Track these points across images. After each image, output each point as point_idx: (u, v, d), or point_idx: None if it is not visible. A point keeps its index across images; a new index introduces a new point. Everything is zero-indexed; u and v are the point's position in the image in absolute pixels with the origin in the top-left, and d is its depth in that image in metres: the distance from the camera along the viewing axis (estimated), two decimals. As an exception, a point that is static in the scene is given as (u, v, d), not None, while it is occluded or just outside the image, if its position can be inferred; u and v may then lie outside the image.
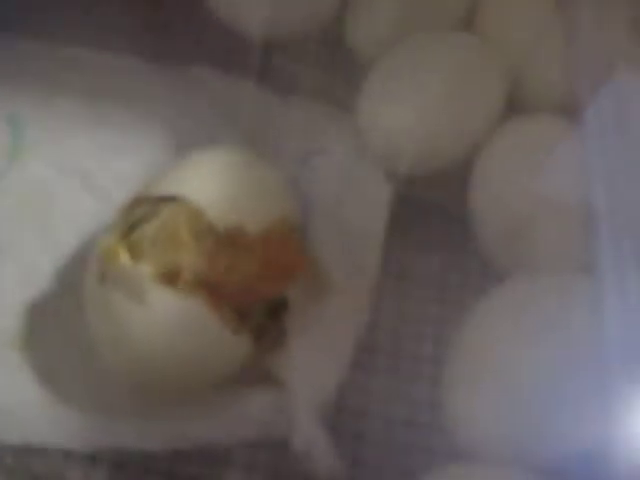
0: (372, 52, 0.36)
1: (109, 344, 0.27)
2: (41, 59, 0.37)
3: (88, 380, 0.29)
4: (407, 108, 0.34)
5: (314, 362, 0.28)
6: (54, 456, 0.28)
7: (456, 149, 0.34)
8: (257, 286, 0.27)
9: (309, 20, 0.39)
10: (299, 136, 0.35)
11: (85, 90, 0.36)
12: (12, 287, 0.31)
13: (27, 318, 0.31)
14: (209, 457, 0.28)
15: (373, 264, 0.31)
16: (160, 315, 0.26)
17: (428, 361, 0.31)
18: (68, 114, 0.35)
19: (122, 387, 0.28)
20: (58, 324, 0.30)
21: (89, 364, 0.29)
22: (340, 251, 0.31)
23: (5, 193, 0.33)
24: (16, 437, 0.28)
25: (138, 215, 0.27)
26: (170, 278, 0.26)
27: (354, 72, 0.36)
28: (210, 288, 0.26)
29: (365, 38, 0.37)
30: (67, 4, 0.40)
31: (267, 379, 0.28)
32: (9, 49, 0.37)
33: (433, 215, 0.34)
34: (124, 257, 0.26)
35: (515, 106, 0.34)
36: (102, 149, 0.34)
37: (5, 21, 0.38)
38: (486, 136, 0.34)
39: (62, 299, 0.31)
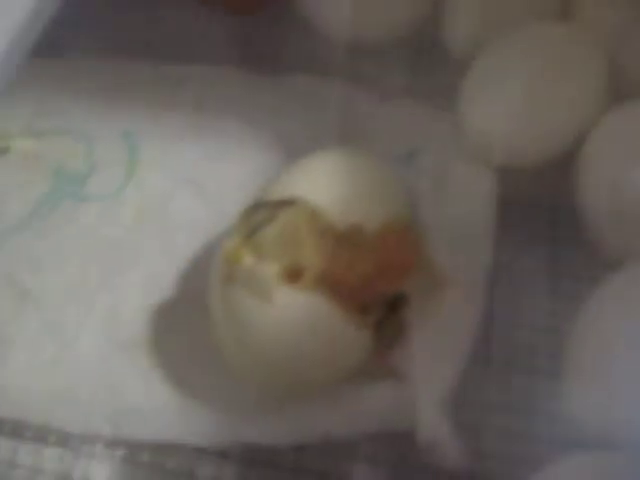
0: (470, 50, 0.36)
1: (235, 344, 0.28)
2: (148, 77, 0.39)
3: (216, 380, 0.30)
4: (508, 104, 0.34)
5: (434, 355, 0.29)
6: (186, 453, 0.29)
7: (560, 141, 0.34)
8: (377, 283, 0.27)
9: (403, 22, 0.39)
10: (400, 136, 0.36)
11: (191, 103, 0.38)
12: (137, 294, 0.33)
13: (153, 323, 0.32)
14: (335, 451, 0.29)
15: (485, 257, 0.31)
16: (285, 313, 0.27)
17: (543, 354, 0.31)
18: (177, 127, 0.37)
19: (249, 385, 0.29)
20: (184, 327, 0.31)
21: (216, 364, 0.30)
22: (451, 247, 0.31)
23: (126, 205, 0.35)
24: (150, 435, 0.30)
25: (259, 218, 0.28)
26: (293, 276, 0.27)
27: (450, 71, 0.37)
28: (332, 285, 0.27)
29: (462, 37, 0.37)
30: (162, 23, 0.42)
31: (389, 373, 0.29)
32: (118, 70, 0.39)
33: (539, 208, 0.35)
34: (248, 258, 0.27)
35: (620, 92, 0.34)
36: (211, 158, 0.36)
37: (111, 43, 0.40)
38: (590, 125, 0.33)
39: (185, 303, 0.32)
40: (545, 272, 0.33)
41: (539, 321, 0.32)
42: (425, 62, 0.39)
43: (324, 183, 0.28)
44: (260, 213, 0.28)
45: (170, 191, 0.35)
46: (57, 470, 0.30)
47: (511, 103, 0.34)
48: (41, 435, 0.30)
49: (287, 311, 0.27)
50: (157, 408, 0.30)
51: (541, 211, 0.35)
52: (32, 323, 0.32)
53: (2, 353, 0.32)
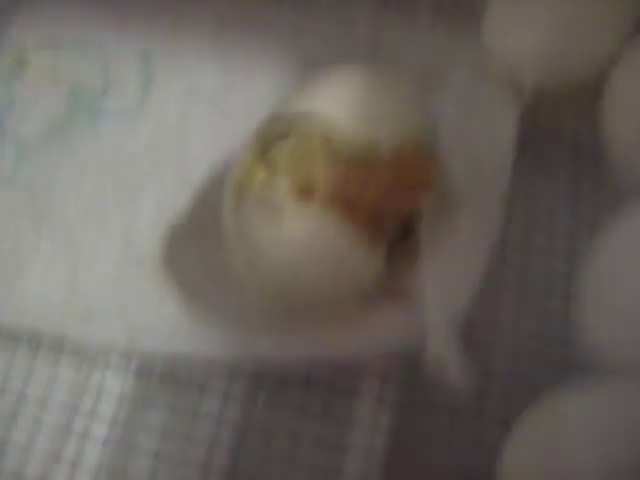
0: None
1: (246, 262, 0.28)
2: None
3: (228, 296, 0.30)
4: (534, 26, 0.33)
5: (446, 275, 0.28)
6: (197, 366, 0.30)
7: (585, 68, 0.33)
8: (390, 202, 0.27)
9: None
10: (423, 56, 0.35)
11: (211, 18, 0.37)
12: (152, 212, 0.33)
13: (168, 240, 0.32)
14: (344, 368, 0.29)
15: (503, 177, 0.31)
16: (296, 230, 0.27)
17: (559, 276, 0.31)
18: (196, 43, 0.36)
19: (261, 303, 0.29)
20: (197, 244, 0.32)
21: (228, 281, 0.30)
22: (469, 167, 0.31)
23: (143, 121, 0.35)
24: (162, 348, 0.30)
25: (274, 133, 0.28)
26: (306, 193, 0.26)
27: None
28: (345, 203, 0.26)
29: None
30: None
31: (401, 292, 0.29)
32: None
33: (562, 142, 0.34)
34: (261, 173, 0.27)
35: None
36: (230, 73, 0.35)
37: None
38: (616, 55, 0.32)
39: (199, 221, 0.32)
40: (564, 198, 0.33)
41: (557, 244, 0.32)
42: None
43: (340, 99, 0.28)
44: (275, 127, 0.28)
45: (187, 107, 0.35)
46: (73, 379, 0.31)
47: (541, 25, 0.33)
48: (58, 345, 0.31)
49: (299, 229, 0.27)
50: (169, 322, 0.30)
51: (564, 139, 0.34)
52: (48, 240, 0.33)
53: (19, 268, 0.32)
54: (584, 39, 0.32)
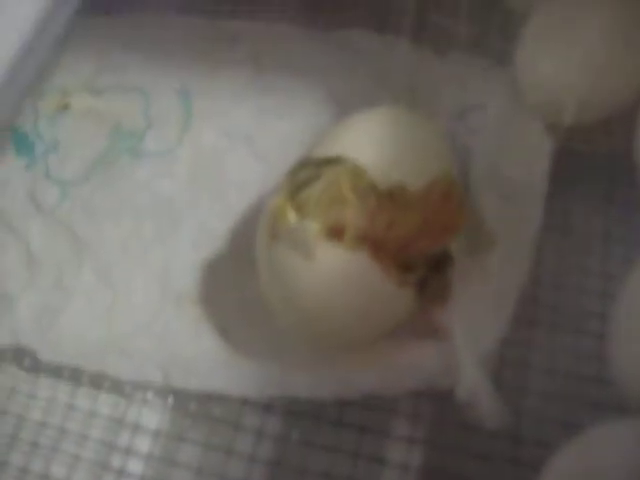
0: (528, 3, 0.35)
1: (279, 299, 0.29)
2: (203, 32, 0.39)
3: (262, 333, 0.31)
4: (566, 59, 0.33)
5: (477, 314, 0.29)
6: (232, 403, 0.30)
7: (618, 99, 0.33)
8: (419, 241, 0.27)
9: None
10: (457, 91, 0.36)
11: (246, 59, 0.38)
12: (189, 248, 0.34)
13: (203, 276, 0.33)
14: (375, 406, 0.29)
15: (535, 216, 0.31)
16: (327, 270, 0.27)
17: (593, 316, 0.30)
18: (231, 83, 0.37)
19: (294, 339, 0.30)
20: (233, 281, 0.32)
21: (262, 318, 0.30)
22: (501, 204, 0.31)
23: (181, 161, 0.36)
24: (198, 385, 0.31)
25: (304, 177, 0.28)
26: (335, 234, 0.27)
27: (510, 24, 0.36)
28: (373, 243, 0.27)
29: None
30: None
31: (432, 331, 0.29)
32: (176, 26, 0.39)
33: (597, 167, 0.34)
34: (292, 215, 0.28)
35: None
36: (264, 114, 0.36)
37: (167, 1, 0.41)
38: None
39: (234, 258, 0.33)
40: (598, 233, 0.33)
41: (590, 284, 0.32)
42: (488, 13, 0.38)
43: (369, 141, 0.28)
44: (305, 171, 0.28)
45: (223, 147, 0.36)
46: (111, 415, 0.31)
47: (576, 59, 0.33)
48: (97, 381, 0.32)
49: (329, 269, 0.27)
50: (205, 359, 0.31)
51: (599, 169, 0.34)
52: (89, 274, 0.34)
53: (61, 302, 0.33)
54: (618, 71, 0.32)
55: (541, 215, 0.31)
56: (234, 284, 0.32)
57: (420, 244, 0.27)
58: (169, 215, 0.34)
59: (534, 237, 0.31)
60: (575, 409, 0.29)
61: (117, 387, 0.31)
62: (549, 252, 0.32)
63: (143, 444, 0.30)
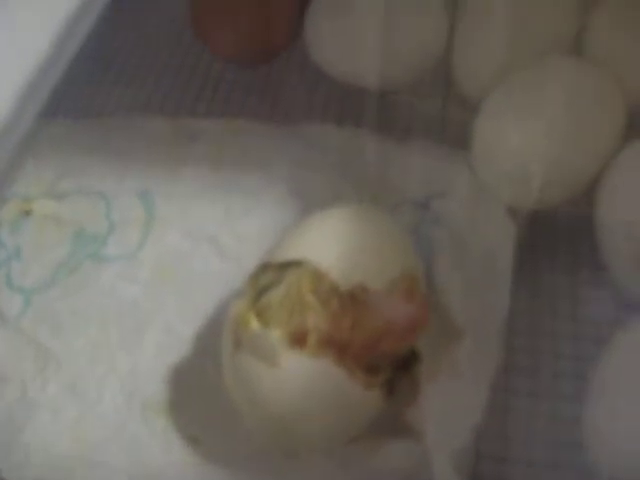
0: (481, 88, 0.36)
1: (245, 405, 0.28)
2: (162, 133, 0.40)
3: (231, 438, 0.30)
4: (524, 137, 0.33)
5: (448, 410, 0.28)
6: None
7: (580, 174, 0.33)
8: (383, 342, 0.27)
9: (420, 62, 0.39)
10: (420, 180, 0.36)
11: (207, 157, 0.38)
12: (155, 353, 0.33)
13: (170, 382, 0.32)
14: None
15: (502, 303, 0.31)
16: (291, 377, 0.27)
17: (568, 400, 0.30)
18: (194, 182, 0.37)
19: (264, 445, 0.29)
20: (200, 385, 0.32)
21: (231, 422, 0.30)
22: (467, 294, 0.31)
23: (144, 264, 0.35)
24: (168, 498, 0.30)
25: (265, 281, 0.28)
26: (298, 340, 0.27)
27: (468, 108, 0.36)
28: (337, 347, 0.26)
29: (471, 76, 0.37)
30: (183, 77, 0.42)
31: (403, 431, 0.28)
32: (136, 129, 0.40)
33: (561, 239, 0.34)
34: (254, 323, 0.27)
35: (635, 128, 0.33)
36: (227, 213, 0.36)
37: (130, 100, 0.41)
38: (609, 157, 0.33)
39: (202, 361, 0.32)
40: (568, 310, 0.33)
41: (563, 367, 0.31)
42: (447, 100, 0.39)
43: (330, 242, 0.28)
44: (266, 275, 0.28)
45: (187, 249, 0.35)
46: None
47: (530, 140, 0.33)
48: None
49: (294, 375, 0.27)
50: (174, 470, 0.30)
51: (562, 240, 0.34)
52: (55, 385, 0.33)
53: (26, 415, 0.32)
54: (575, 148, 0.33)
55: (508, 301, 0.31)
56: (202, 390, 0.32)
57: (385, 344, 0.27)
58: (134, 320, 0.34)
59: (502, 324, 0.31)
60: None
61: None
62: (520, 335, 0.32)
63: None
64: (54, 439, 0.32)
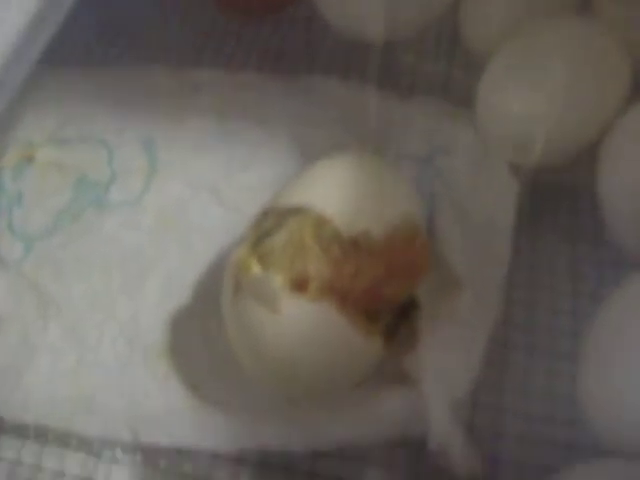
0: (487, 46, 0.36)
1: (246, 351, 0.29)
2: (166, 83, 0.39)
3: (231, 385, 0.30)
4: (531, 94, 0.33)
5: (447, 360, 0.28)
6: (202, 458, 0.30)
7: (584, 135, 0.33)
8: (384, 289, 0.27)
9: (425, 16, 0.39)
10: (423, 135, 0.36)
11: (210, 108, 0.38)
12: (157, 300, 0.33)
13: (172, 328, 0.32)
14: (348, 457, 0.29)
15: (502, 258, 0.31)
16: (292, 322, 0.27)
17: (565, 356, 0.30)
18: (195, 133, 0.37)
19: (263, 391, 0.29)
20: (201, 332, 0.32)
21: (232, 370, 0.30)
22: (468, 247, 0.31)
23: (146, 212, 0.35)
24: (167, 440, 0.30)
25: (267, 227, 0.28)
26: (299, 286, 0.27)
27: (472, 65, 0.36)
28: (338, 293, 0.26)
29: (479, 33, 0.37)
30: (179, 29, 0.42)
31: (402, 379, 0.29)
32: (140, 77, 0.39)
33: (563, 201, 0.34)
34: (255, 268, 0.27)
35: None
36: (229, 164, 0.36)
37: (134, 51, 0.41)
38: (613, 119, 0.33)
39: (203, 308, 0.32)
40: (568, 271, 0.33)
41: (561, 323, 0.32)
42: (453, 55, 0.39)
43: (333, 189, 0.28)
44: (268, 221, 0.28)
45: (188, 197, 0.35)
46: (80, 474, 0.30)
47: (531, 97, 0.33)
48: (64, 439, 0.31)
49: (295, 320, 0.27)
50: (174, 414, 0.30)
51: (564, 202, 0.34)
52: (55, 330, 0.33)
53: (26, 359, 0.33)
54: (581, 105, 0.33)
55: (509, 256, 0.31)
56: (203, 336, 0.32)
57: (386, 292, 0.27)
58: (136, 267, 0.34)
59: (502, 279, 0.31)
60: (550, 452, 0.28)
61: (85, 445, 0.31)
62: (518, 290, 0.32)
63: (113, 503, 0.30)
64: (54, 384, 0.32)
